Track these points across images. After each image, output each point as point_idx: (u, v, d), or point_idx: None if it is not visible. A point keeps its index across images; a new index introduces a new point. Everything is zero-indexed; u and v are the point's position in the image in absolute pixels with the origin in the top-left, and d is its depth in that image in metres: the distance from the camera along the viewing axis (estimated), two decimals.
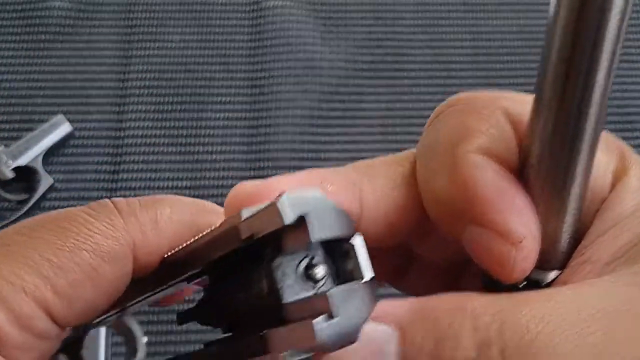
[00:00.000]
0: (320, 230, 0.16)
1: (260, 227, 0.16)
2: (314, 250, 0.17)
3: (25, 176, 0.56)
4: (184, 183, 0.57)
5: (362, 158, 0.22)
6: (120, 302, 0.20)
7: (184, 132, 0.59)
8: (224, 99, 0.61)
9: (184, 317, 0.22)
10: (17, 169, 0.56)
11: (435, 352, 0.15)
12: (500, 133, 0.18)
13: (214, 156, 0.58)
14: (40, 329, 0.18)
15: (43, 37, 0.62)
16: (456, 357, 0.15)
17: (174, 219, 0.21)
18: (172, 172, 0.57)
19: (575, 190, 0.17)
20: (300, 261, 0.17)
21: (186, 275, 0.19)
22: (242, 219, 0.17)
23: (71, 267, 0.18)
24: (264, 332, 0.16)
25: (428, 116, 0.22)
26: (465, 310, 0.15)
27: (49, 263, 0.18)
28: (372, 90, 0.61)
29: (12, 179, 0.55)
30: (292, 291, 0.16)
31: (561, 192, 0.17)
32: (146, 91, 0.60)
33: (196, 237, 0.19)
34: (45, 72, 0.61)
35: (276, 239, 0.17)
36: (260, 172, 0.57)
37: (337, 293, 0.15)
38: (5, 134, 0.58)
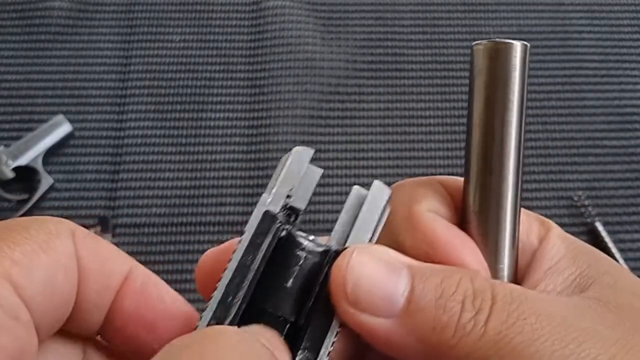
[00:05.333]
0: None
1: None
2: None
3: (26, 176, 0.56)
4: (184, 183, 0.57)
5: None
6: None
7: (184, 132, 0.59)
8: (224, 99, 0.61)
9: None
10: (17, 169, 0.56)
11: (440, 285, 0.19)
12: (442, 197, 0.23)
13: (214, 156, 0.58)
14: (8, 303, 0.18)
15: (43, 37, 0.62)
16: (459, 289, 0.19)
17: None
18: (172, 171, 0.58)
19: (505, 235, 0.22)
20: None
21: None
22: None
23: (22, 240, 0.19)
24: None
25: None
26: (467, 272, 0.20)
27: None
28: (372, 90, 0.61)
29: (13, 179, 0.56)
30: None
31: (496, 238, 0.22)
32: (146, 91, 0.60)
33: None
34: (46, 72, 0.61)
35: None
36: (260, 172, 0.57)
37: None
38: (6, 134, 0.58)
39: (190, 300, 0.22)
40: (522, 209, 0.22)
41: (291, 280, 0.20)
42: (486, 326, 0.19)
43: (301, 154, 0.21)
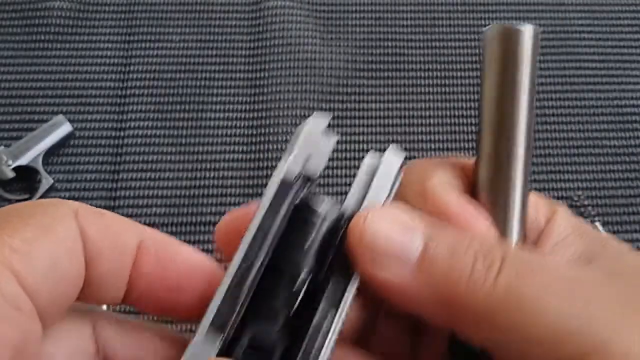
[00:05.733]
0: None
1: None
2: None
3: (26, 176, 0.56)
4: (184, 183, 0.57)
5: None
6: None
7: (184, 132, 0.59)
8: (224, 99, 0.61)
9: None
10: (17, 169, 0.56)
11: (453, 243, 0.20)
12: (454, 172, 0.24)
13: (214, 156, 0.58)
14: (9, 293, 0.18)
15: (43, 37, 0.62)
16: (470, 248, 0.20)
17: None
18: (172, 171, 0.58)
19: (514, 210, 0.23)
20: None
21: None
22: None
23: (22, 226, 0.19)
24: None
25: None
26: (479, 234, 0.22)
27: None
28: (372, 90, 0.61)
29: (13, 179, 0.56)
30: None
31: (505, 212, 0.23)
32: (146, 91, 0.60)
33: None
34: (46, 73, 0.61)
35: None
36: (260, 172, 0.57)
37: None
38: (6, 134, 0.58)
39: None
40: (531, 192, 0.23)
41: (308, 243, 0.21)
42: (496, 280, 0.19)
43: (317, 121, 0.22)
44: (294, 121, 0.59)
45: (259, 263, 0.20)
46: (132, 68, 0.61)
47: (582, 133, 0.61)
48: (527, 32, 0.21)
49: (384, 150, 0.23)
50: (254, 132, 0.59)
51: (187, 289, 0.21)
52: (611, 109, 0.62)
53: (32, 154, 0.56)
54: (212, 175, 0.58)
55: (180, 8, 0.64)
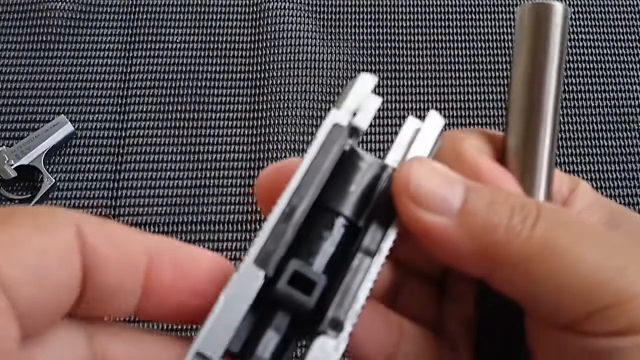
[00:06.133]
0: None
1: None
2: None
3: (28, 176, 0.57)
4: (186, 182, 0.58)
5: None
6: None
7: (185, 132, 0.59)
8: (224, 99, 0.61)
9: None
10: (19, 169, 0.56)
11: (491, 196, 0.21)
12: (485, 139, 0.25)
13: (214, 156, 0.59)
14: None
15: (45, 38, 0.62)
16: (508, 201, 0.21)
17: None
18: (173, 171, 0.58)
19: (542, 177, 0.24)
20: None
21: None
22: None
23: (16, 226, 0.18)
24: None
25: None
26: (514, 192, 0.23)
27: None
28: None
29: (15, 179, 0.56)
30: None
31: (533, 179, 0.24)
32: (148, 92, 0.61)
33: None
34: (48, 73, 0.61)
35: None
36: (260, 171, 0.58)
37: None
38: (8, 134, 0.58)
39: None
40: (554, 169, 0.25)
41: (353, 187, 0.22)
42: (533, 231, 0.20)
43: (368, 78, 0.23)
44: (294, 121, 0.60)
45: (307, 201, 0.21)
46: (133, 69, 0.62)
47: (582, 133, 0.61)
48: (558, 7, 0.23)
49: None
50: (255, 132, 0.59)
51: (209, 291, 0.21)
52: (610, 109, 0.62)
53: (34, 154, 0.56)
54: (213, 175, 0.58)
55: (182, 9, 0.65)
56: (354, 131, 0.22)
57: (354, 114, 0.22)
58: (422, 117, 0.24)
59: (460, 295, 0.26)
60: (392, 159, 0.23)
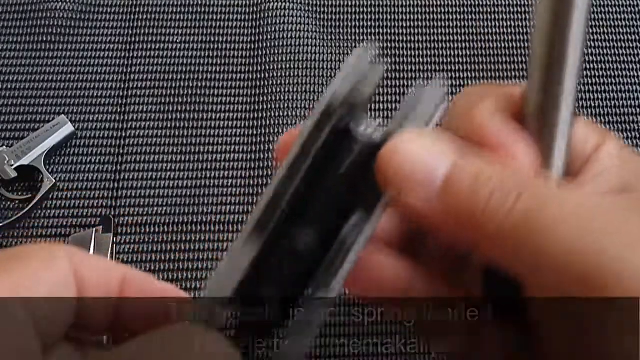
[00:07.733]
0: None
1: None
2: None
3: (28, 176, 0.57)
4: (186, 182, 0.58)
5: None
6: None
7: (185, 132, 0.59)
8: (224, 99, 0.61)
9: None
10: (19, 169, 0.56)
11: (476, 173, 0.21)
12: (504, 98, 0.24)
13: (215, 156, 0.59)
14: (17, 315, 0.21)
15: (45, 38, 0.63)
16: (492, 179, 0.21)
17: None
18: (173, 172, 0.58)
19: (559, 140, 0.23)
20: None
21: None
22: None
23: (23, 266, 0.22)
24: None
25: None
26: (504, 167, 0.22)
27: None
28: None
29: (15, 179, 0.56)
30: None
31: (550, 142, 0.23)
32: (148, 92, 0.61)
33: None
34: (48, 73, 0.61)
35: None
36: (260, 171, 0.58)
37: None
38: (8, 134, 0.58)
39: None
40: (584, 119, 0.24)
41: (345, 166, 0.22)
42: (512, 209, 0.20)
43: (364, 51, 0.23)
44: (294, 121, 0.60)
45: (299, 177, 0.22)
46: (133, 69, 0.62)
47: None
48: None
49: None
50: (255, 133, 0.59)
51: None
52: (609, 109, 0.62)
53: (34, 154, 0.56)
54: (213, 175, 0.58)
55: (182, 9, 0.65)
56: (353, 106, 0.23)
57: (354, 87, 0.23)
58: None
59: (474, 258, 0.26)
60: (390, 129, 0.23)
